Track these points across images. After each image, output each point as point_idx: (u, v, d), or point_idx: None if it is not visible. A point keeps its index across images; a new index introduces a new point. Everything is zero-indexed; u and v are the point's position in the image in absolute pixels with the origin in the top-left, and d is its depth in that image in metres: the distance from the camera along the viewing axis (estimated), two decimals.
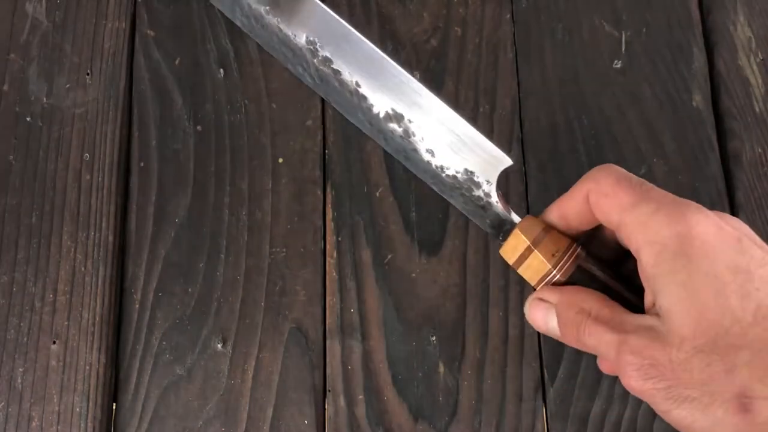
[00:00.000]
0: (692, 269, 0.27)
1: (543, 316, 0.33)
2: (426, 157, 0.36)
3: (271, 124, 0.51)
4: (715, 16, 0.53)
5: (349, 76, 0.36)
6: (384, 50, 0.52)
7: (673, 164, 0.50)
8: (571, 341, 0.32)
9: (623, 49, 0.52)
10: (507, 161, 0.35)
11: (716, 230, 0.28)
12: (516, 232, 0.34)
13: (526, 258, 0.33)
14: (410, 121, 0.35)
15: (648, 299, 0.30)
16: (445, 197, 0.37)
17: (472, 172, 0.35)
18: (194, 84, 0.51)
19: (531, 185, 0.50)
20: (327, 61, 0.36)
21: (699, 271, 0.27)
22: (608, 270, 0.33)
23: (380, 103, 0.36)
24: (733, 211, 0.49)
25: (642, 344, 0.28)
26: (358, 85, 0.36)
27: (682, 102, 0.51)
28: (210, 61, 0.52)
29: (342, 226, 0.49)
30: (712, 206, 0.49)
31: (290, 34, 0.36)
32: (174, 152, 0.50)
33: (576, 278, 0.33)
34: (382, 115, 0.36)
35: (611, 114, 0.51)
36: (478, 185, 0.36)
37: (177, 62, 0.52)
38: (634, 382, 0.28)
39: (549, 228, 0.34)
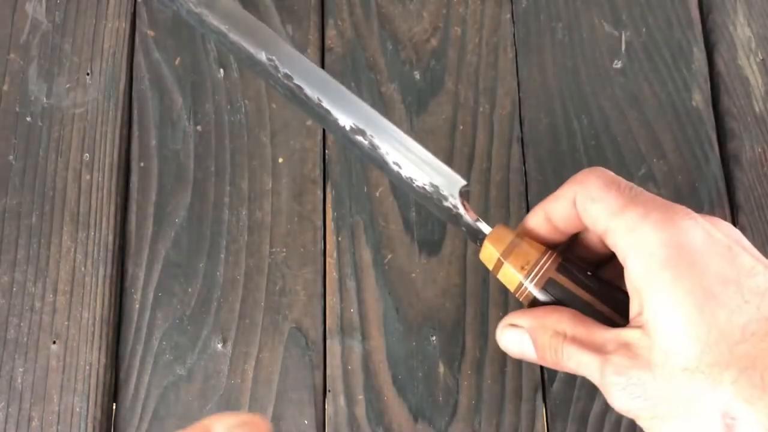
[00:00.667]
0: (679, 281, 0.26)
1: (517, 342, 0.31)
2: (395, 168, 0.36)
3: (271, 123, 0.51)
4: (715, 16, 0.53)
5: (311, 92, 0.36)
6: (384, 50, 0.52)
7: (672, 164, 0.50)
8: (550, 365, 0.31)
9: (623, 48, 0.52)
10: (461, 182, 0.35)
11: (705, 237, 0.27)
12: (486, 243, 0.33)
13: (499, 268, 0.33)
14: (372, 136, 0.36)
15: (634, 308, 0.28)
16: (422, 203, 0.37)
17: (436, 186, 0.35)
18: (194, 84, 0.51)
19: (531, 185, 0.50)
20: (288, 77, 0.37)
21: (686, 282, 0.26)
22: (585, 277, 0.32)
23: (342, 118, 0.36)
24: (733, 211, 0.49)
25: (625, 364, 0.27)
26: (319, 100, 0.36)
27: (682, 102, 0.51)
28: (210, 60, 0.52)
29: (342, 226, 0.49)
30: (711, 206, 0.49)
31: (252, 51, 0.37)
32: (174, 152, 0.50)
33: (550, 289, 0.32)
34: (348, 128, 0.36)
35: (611, 114, 0.51)
36: (446, 198, 0.35)
37: (177, 62, 0.52)
38: (620, 403, 0.27)
39: (520, 238, 0.33)
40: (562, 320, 0.30)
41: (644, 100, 0.51)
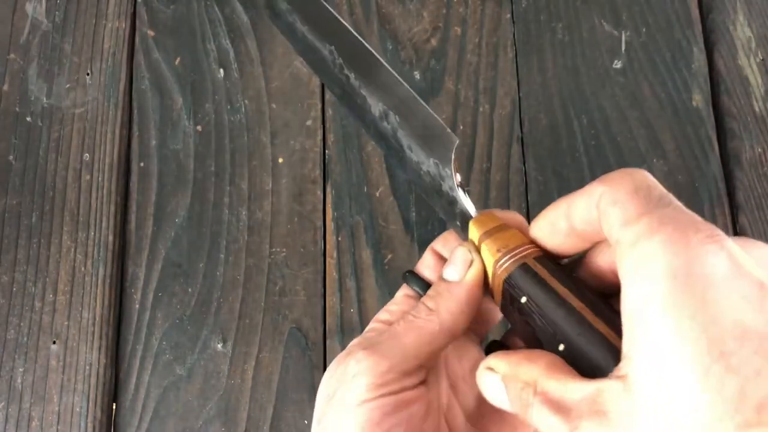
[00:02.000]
0: (680, 328, 0.19)
1: (492, 389, 0.26)
2: (408, 153, 0.34)
3: (271, 123, 0.51)
4: (714, 16, 0.53)
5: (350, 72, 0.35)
6: (384, 50, 0.52)
7: (672, 164, 0.50)
8: (525, 421, 0.27)
9: (623, 48, 0.52)
10: (454, 139, 0.31)
11: (729, 269, 0.20)
12: (470, 225, 0.31)
13: (479, 252, 0.30)
14: (394, 114, 0.34)
15: (624, 345, 0.22)
16: (430, 203, 0.37)
17: (437, 163, 0.33)
18: (194, 84, 0.51)
19: (531, 185, 0.50)
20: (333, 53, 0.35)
21: (689, 332, 0.19)
22: (567, 274, 0.28)
23: (373, 100, 0.35)
24: (733, 211, 0.49)
25: None
26: (357, 82, 0.35)
27: (682, 102, 0.51)
28: (210, 60, 0.52)
29: (342, 226, 0.49)
30: (711, 206, 0.49)
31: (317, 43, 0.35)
32: (174, 152, 0.50)
33: (523, 277, 0.28)
34: (377, 114, 0.35)
35: (611, 114, 0.51)
36: (443, 178, 0.32)
37: (177, 62, 0.52)
38: None
39: (506, 226, 0.30)
40: (534, 368, 0.24)
41: (644, 100, 0.51)
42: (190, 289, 0.48)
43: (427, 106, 0.32)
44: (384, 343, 0.27)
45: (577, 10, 0.53)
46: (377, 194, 0.49)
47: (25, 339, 0.47)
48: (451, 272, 0.29)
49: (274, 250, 0.48)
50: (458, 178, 0.32)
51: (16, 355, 0.46)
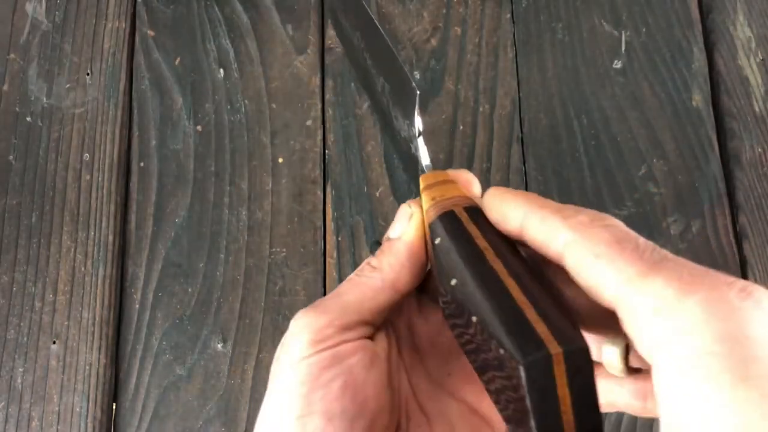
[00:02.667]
0: (738, 395, 0.16)
1: None
2: (395, 123, 0.33)
3: (271, 123, 0.51)
4: (714, 16, 0.53)
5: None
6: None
7: (672, 164, 0.50)
8: None
9: (623, 48, 0.52)
10: (416, 91, 0.29)
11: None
12: (420, 180, 0.30)
13: (421, 207, 0.29)
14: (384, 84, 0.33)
15: (664, 418, 0.18)
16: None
17: (409, 123, 0.32)
18: (194, 84, 0.51)
19: (531, 185, 0.50)
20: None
21: (747, 400, 0.16)
22: (493, 236, 0.25)
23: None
24: (733, 211, 0.49)
25: None
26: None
27: (682, 102, 0.51)
28: (210, 60, 0.52)
29: (342, 226, 0.49)
30: (711, 206, 0.49)
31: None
32: (174, 152, 0.50)
33: (447, 223, 0.26)
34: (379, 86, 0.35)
35: (611, 114, 0.51)
36: (412, 139, 0.31)
37: (177, 62, 0.52)
38: None
39: (451, 181, 0.29)
40: None
41: (644, 100, 0.51)
42: (190, 289, 0.48)
43: (398, 58, 0.31)
44: (325, 302, 0.26)
45: (577, 10, 0.53)
46: (377, 194, 0.49)
47: (25, 339, 0.47)
48: (394, 229, 0.29)
49: (274, 250, 0.48)
50: (419, 127, 0.31)
51: (16, 355, 0.46)
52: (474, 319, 0.23)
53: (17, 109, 0.51)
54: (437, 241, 0.26)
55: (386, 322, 0.28)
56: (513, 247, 0.25)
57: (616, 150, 0.50)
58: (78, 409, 0.45)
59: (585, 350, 0.20)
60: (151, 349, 0.47)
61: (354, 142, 0.50)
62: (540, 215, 0.23)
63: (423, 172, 0.31)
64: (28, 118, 0.51)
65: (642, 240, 0.21)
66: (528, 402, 0.20)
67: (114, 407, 0.46)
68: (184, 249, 0.48)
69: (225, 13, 0.53)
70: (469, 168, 0.50)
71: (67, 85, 0.51)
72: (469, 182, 0.29)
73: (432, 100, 0.51)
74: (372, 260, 0.28)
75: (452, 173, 0.29)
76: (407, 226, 0.28)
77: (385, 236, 0.29)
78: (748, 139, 0.50)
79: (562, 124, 0.51)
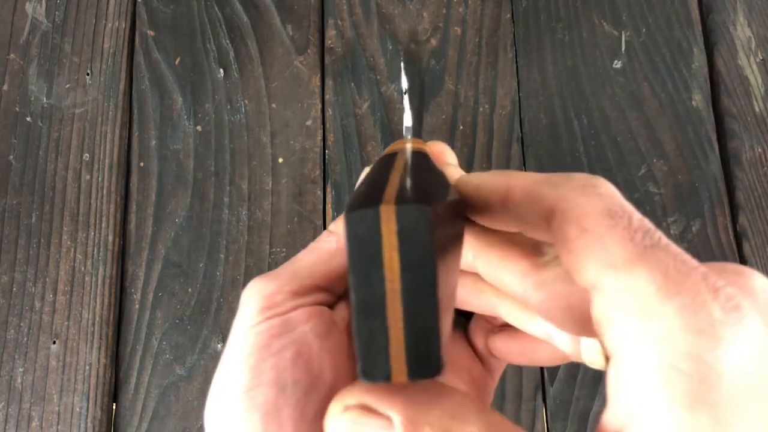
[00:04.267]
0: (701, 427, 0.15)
1: None
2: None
3: (271, 123, 0.51)
4: (715, 16, 0.53)
5: None
6: (384, 50, 0.52)
7: (672, 164, 0.50)
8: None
9: (623, 48, 0.52)
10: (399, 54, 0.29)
11: (760, 366, 0.16)
12: (396, 141, 0.29)
13: None
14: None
15: (611, 410, 0.17)
16: None
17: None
18: (194, 84, 0.51)
19: None
20: None
21: None
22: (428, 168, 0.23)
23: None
24: (733, 211, 0.49)
25: None
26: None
27: (682, 102, 0.51)
28: (210, 60, 0.52)
29: None
30: (711, 206, 0.49)
31: None
32: (174, 152, 0.50)
33: (383, 158, 0.24)
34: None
35: (611, 114, 0.51)
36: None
37: (177, 62, 0.52)
38: None
39: (420, 144, 0.27)
40: (439, 413, 0.18)
41: (644, 100, 0.51)
42: (190, 289, 0.48)
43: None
44: (278, 269, 0.24)
45: (577, 10, 0.53)
46: None
47: (25, 339, 0.47)
48: None
49: (274, 250, 0.48)
50: (404, 86, 0.30)
51: (16, 355, 0.46)
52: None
53: (17, 109, 0.51)
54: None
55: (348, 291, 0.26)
56: (435, 168, 0.23)
57: (616, 150, 0.50)
58: (78, 409, 0.45)
59: (425, 211, 0.17)
60: (151, 349, 0.47)
61: (354, 142, 0.50)
62: (525, 185, 0.20)
63: (405, 131, 0.29)
64: (28, 118, 0.51)
65: (636, 217, 0.18)
66: (348, 260, 0.17)
67: (114, 407, 0.46)
68: (184, 249, 0.48)
69: (225, 13, 0.53)
70: (469, 168, 0.50)
71: (67, 85, 0.51)
72: (442, 153, 0.28)
73: (432, 100, 0.51)
74: (331, 226, 0.26)
75: (428, 143, 0.28)
76: None
77: None
78: (748, 139, 0.50)
79: (562, 124, 0.51)
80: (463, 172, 0.26)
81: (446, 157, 0.28)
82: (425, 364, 0.17)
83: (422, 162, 0.23)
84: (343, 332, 0.24)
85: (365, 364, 0.17)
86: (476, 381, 0.25)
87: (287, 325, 0.22)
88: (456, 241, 0.21)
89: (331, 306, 0.24)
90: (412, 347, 0.17)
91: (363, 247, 0.17)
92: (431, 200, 0.18)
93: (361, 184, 0.21)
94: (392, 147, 0.27)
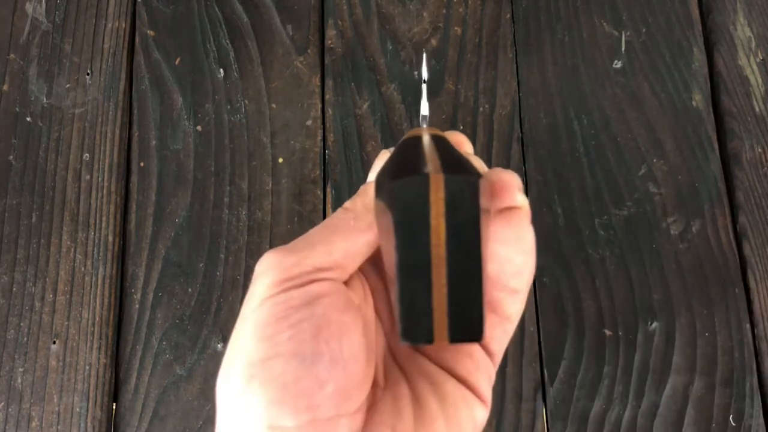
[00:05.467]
0: None
1: None
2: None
3: (271, 123, 0.51)
4: (715, 16, 0.53)
5: None
6: (384, 50, 0.52)
7: (673, 164, 0.50)
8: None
9: (623, 48, 0.52)
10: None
11: None
12: (413, 129, 0.29)
13: None
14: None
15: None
16: None
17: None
18: (194, 84, 0.51)
19: (531, 185, 0.50)
20: None
21: None
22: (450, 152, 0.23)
23: None
24: (733, 211, 0.49)
25: None
26: None
27: (682, 102, 0.51)
28: (210, 60, 0.52)
29: None
30: (711, 206, 0.49)
31: None
32: (174, 152, 0.50)
33: (407, 140, 0.25)
34: None
35: (611, 113, 0.51)
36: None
37: (177, 62, 0.52)
38: None
39: (438, 131, 0.28)
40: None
41: (644, 100, 0.51)
42: (190, 289, 0.48)
43: None
44: (294, 243, 0.24)
45: (577, 10, 0.53)
46: None
47: (25, 339, 0.47)
48: (371, 174, 0.27)
49: None
50: (424, 77, 0.30)
51: (16, 355, 0.46)
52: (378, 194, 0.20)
53: (17, 109, 0.51)
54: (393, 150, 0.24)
55: (362, 275, 0.26)
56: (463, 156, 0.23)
57: (616, 150, 0.50)
58: (78, 409, 0.45)
59: (473, 182, 0.18)
60: (151, 349, 0.47)
61: (354, 142, 0.50)
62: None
63: (424, 116, 0.29)
64: (28, 118, 0.51)
65: None
66: (394, 225, 0.17)
67: (114, 407, 0.46)
68: (184, 249, 0.48)
69: (225, 13, 0.53)
70: None
71: (67, 85, 0.51)
72: (461, 143, 0.28)
73: (432, 100, 0.51)
74: (346, 203, 0.25)
75: (446, 133, 0.28)
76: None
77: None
78: (748, 138, 0.50)
79: (562, 124, 0.51)
80: (482, 162, 0.27)
81: (465, 146, 0.28)
82: (467, 328, 0.18)
83: (448, 145, 0.23)
84: (358, 309, 0.24)
85: (407, 325, 0.18)
86: None
87: (306, 297, 0.22)
88: (487, 219, 0.21)
89: (345, 283, 0.24)
90: (456, 311, 0.18)
91: (409, 213, 0.17)
92: (475, 173, 0.18)
93: (392, 160, 0.21)
94: (411, 133, 0.27)
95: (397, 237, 0.17)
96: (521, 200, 0.24)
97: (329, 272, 0.23)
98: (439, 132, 0.27)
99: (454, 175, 0.18)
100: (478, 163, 0.26)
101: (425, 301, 0.18)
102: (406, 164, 0.19)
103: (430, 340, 0.18)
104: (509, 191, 0.24)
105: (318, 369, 0.21)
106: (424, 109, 0.29)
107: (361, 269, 0.25)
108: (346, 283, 0.24)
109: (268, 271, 0.22)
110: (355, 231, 0.24)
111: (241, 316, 0.22)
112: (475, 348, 0.25)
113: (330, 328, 0.21)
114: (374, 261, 0.26)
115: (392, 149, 0.27)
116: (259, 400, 0.20)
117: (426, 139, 0.23)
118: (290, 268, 0.22)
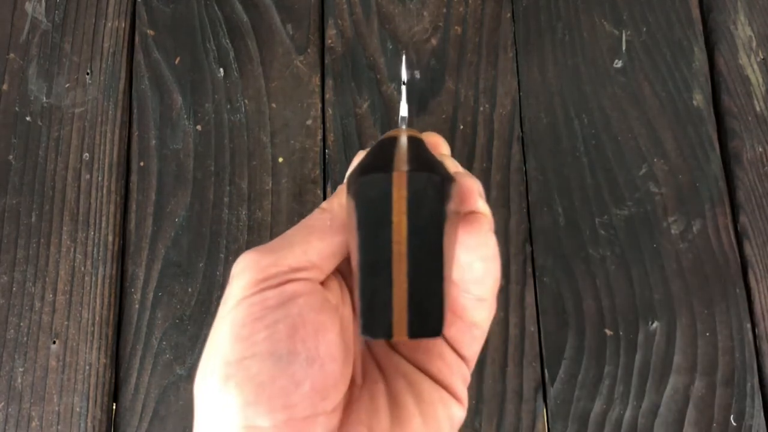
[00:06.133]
0: None
1: None
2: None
3: (271, 123, 0.51)
4: (715, 15, 0.53)
5: None
6: (384, 50, 0.52)
7: (673, 163, 0.50)
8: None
9: (623, 48, 0.52)
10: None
11: None
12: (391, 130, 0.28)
13: None
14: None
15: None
16: None
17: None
18: (194, 83, 0.51)
19: (531, 185, 0.49)
20: None
21: None
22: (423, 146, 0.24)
23: None
24: (734, 211, 0.49)
25: None
26: None
27: (683, 101, 0.51)
28: (210, 60, 0.52)
29: None
30: (712, 206, 0.49)
31: None
32: (174, 152, 0.50)
33: (382, 140, 0.25)
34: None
35: (612, 113, 0.51)
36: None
37: (177, 61, 0.52)
38: None
39: (415, 133, 0.28)
40: None
41: (645, 100, 0.51)
42: (190, 289, 0.47)
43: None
44: (270, 244, 0.24)
45: (577, 10, 0.53)
46: None
47: (25, 339, 0.47)
48: (349, 172, 0.27)
49: None
50: (404, 78, 0.30)
51: (15, 354, 0.46)
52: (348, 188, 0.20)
53: (17, 108, 0.51)
54: (369, 148, 0.24)
55: (339, 274, 0.26)
56: (435, 157, 0.23)
57: (616, 149, 0.50)
58: (78, 409, 0.45)
59: (436, 180, 0.18)
60: (151, 349, 0.47)
61: (354, 142, 0.50)
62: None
63: (403, 118, 0.29)
64: (28, 118, 0.51)
65: None
66: (356, 221, 0.17)
67: (114, 407, 0.46)
68: (184, 249, 0.48)
69: (225, 12, 0.53)
70: (470, 168, 0.50)
71: (67, 85, 0.51)
72: (437, 144, 0.28)
73: (432, 99, 0.51)
74: (323, 204, 0.26)
75: (423, 134, 0.28)
76: None
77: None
78: (749, 138, 0.50)
79: (563, 124, 0.51)
80: (458, 165, 0.27)
81: (441, 148, 0.28)
82: (426, 324, 0.18)
83: (421, 146, 0.23)
84: (334, 309, 0.24)
85: (367, 320, 0.18)
86: None
87: (282, 297, 0.22)
88: (454, 220, 0.21)
89: (321, 283, 0.24)
90: (415, 307, 0.18)
91: (372, 209, 0.17)
92: (440, 173, 0.19)
93: (365, 159, 0.21)
94: (389, 134, 0.27)
95: (360, 233, 0.18)
96: (482, 206, 0.24)
97: (306, 272, 0.23)
98: (416, 133, 0.27)
99: (416, 172, 0.18)
100: (453, 165, 0.26)
101: (385, 296, 0.18)
102: (375, 163, 0.19)
103: (389, 335, 0.18)
104: (470, 196, 0.24)
105: (294, 368, 0.21)
106: (403, 110, 0.29)
107: (338, 269, 0.26)
108: (323, 283, 0.24)
109: (245, 271, 0.23)
110: (331, 231, 0.24)
111: (218, 317, 0.22)
112: (445, 350, 0.25)
113: (306, 327, 0.22)
114: (350, 260, 0.26)
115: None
116: (235, 400, 0.21)
117: (401, 140, 0.23)
118: (266, 269, 0.22)
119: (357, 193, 0.17)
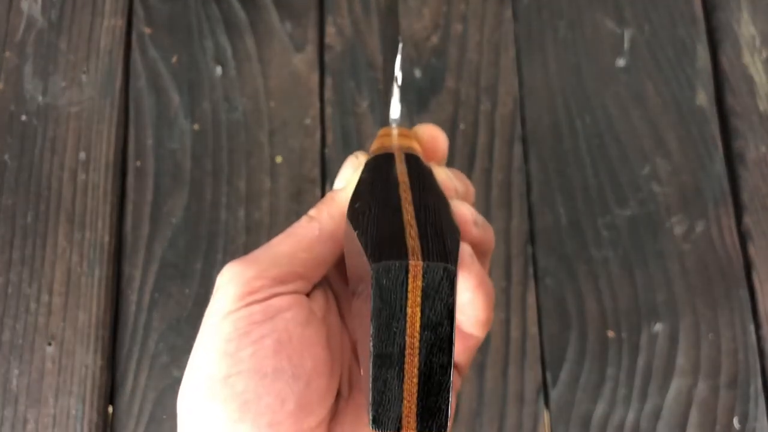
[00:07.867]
0: None
1: None
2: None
3: (269, 122, 0.50)
4: (719, 14, 0.53)
5: None
6: (384, 49, 0.52)
7: (676, 163, 0.49)
8: None
9: (626, 46, 0.52)
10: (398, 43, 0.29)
11: None
12: (383, 128, 0.29)
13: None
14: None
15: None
16: None
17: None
18: (191, 82, 0.51)
19: (533, 185, 0.49)
20: None
21: None
22: (420, 175, 0.24)
23: None
24: (738, 211, 0.49)
25: None
26: None
27: (686, 100, 0.51)
28: (207, 58, 0.51)
29: None
30: (716, 206, 0.48)
31: None
32: (171, 151, 0.50)
33: (376, 163, 0.25)
34: None
35: (614, 112, 0.50)
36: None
37: (174, 60, 0.51)
38: None
39: (408, 133, 0.28)
40: None
41: (648, 99, 0.51)
42: (187, 291, 0.47)
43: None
44: (255, 253, 0.24)
45: (579, 8, 0.53)
46: None
47: (20, 341, 0.46)
48: (339, 179, 0.27)
49: None
50: (398, 77, 0.30)
51: (11, 357, 0.46)
52: (357, 232, 0.21)
53: (12, 108, 0.50)
54: (361, 173, 0.24)
55: (325, 282, 0.25)
56: (437, 190, 0.23)
57: (619, 149, 0.50)
58: (74, 412, 0.45)
59: (451, 271, 0.18)
60: (148, 352, 0.46)
61: (353, 141, 0.50)
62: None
63: (394, 122, 0.29)
64: (24, 117, 0.50)
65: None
66: (372, 310, 0.18)
67: (110, 410, 0.46)
68: (181, 250, 0.48)
69: (222, 10, 0.52)
70: (470, 168, 0.49)
71: (63, 84, 0.51)
72: (435, 138, 0.28)
73: (433, 98, 0.51)
74: (311, 211, 0.25)
75: (418, 128, 0.28)
76: (352, 176, 0.26)
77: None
78: (753, 138, 0.50)
79: (565, 123, 0.50)
80: (450, 175, 0.26)
81: (439, 143, 0.28)
82: (434, 419, 0.18)
83: (425, 179, 0.23)
84: (321, 322, 0.23)
85: (377, 414, 0.18)
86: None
87: (268, 313, 0.22)
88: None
89: (307, 294, 0.24)
90: (424, 402, 0.18)
91: (387, 298, 0.18)
92: (454, 256, 0.19)
93: (374, 222, 0.21)
94: (379, 141, 0.27)
95: (374, 323, 0.18)
96: (477, 234, 0.24)
97: (291, 284, 0.23)
98: (408, 138, 0.27)
99: (433, 263, 0.18)
100: (445, 175, 0.26)
101: (397, 390, 0.18)
102: (388, 235, 0.19)
103: (398, 429, 0.18)
104: (465, 226, 0.24)
105: (280, 385, 0.21)
106: (395, 111, 0.29)
107: (325, 275, 0.25)
108: (309, 293, 0.24)
109: (229, 284, 0.22)
110: (319, 243, 0.24)
111: (203, 330, 0.22)
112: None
113: (292, 343, 0.21)
114: (338, 266, 0.25)
115: (360, 157, 0.27)
116: (220, 417, 0.20)
117: (400, 172, 0.23)
118: (251, 281, 0.22)
119: (373, 279, 0.18)
